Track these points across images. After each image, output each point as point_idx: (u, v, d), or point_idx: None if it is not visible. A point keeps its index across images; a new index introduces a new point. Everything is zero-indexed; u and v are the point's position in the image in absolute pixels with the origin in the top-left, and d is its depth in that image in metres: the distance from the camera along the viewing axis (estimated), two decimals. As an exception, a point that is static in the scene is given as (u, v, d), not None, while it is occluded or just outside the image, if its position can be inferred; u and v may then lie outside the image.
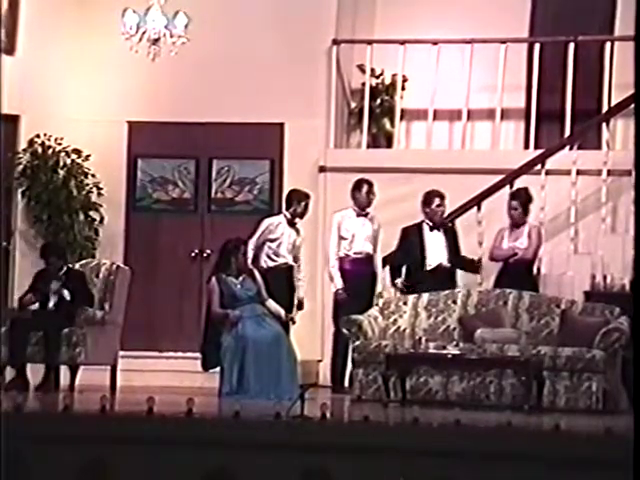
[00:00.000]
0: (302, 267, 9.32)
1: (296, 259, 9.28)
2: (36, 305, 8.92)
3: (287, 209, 9.29)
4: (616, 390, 8.36)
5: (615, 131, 9.97)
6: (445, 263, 9.06)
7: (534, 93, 10.07)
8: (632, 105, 9.66)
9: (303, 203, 9.23)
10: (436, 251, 9.07)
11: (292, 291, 9.24)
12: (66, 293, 8.74)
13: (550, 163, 9.66)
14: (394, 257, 9.14)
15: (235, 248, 8.84)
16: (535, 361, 8.16)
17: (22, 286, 9.44)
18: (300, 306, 9.20)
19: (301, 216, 9.28)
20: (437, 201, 9.12)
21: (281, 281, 9.12)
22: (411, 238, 9.10)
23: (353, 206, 9.34)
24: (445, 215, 9.21)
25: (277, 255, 9.19)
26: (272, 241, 9.19)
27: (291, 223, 9.26)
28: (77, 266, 9.30)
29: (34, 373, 8.82)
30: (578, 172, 9.66)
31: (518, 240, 9.15)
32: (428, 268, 9.05)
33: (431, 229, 9.12)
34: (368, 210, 9.34)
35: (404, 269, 9.11)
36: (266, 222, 9.25)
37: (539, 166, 9.66)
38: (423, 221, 9.19)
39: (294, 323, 8.98)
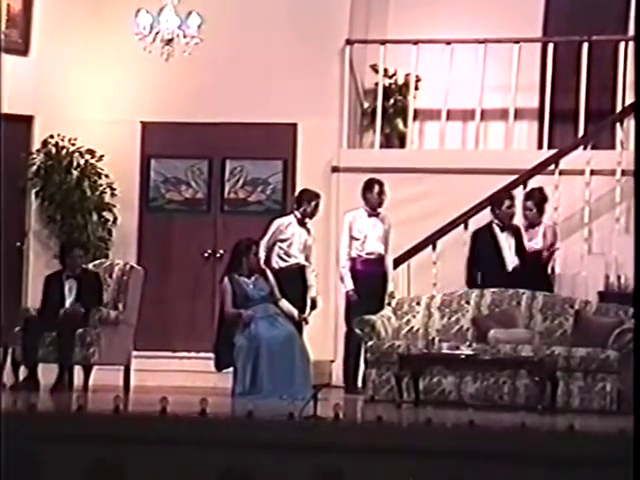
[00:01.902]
0: (314, 266, 9.31)
1: (308, 259, 9.27)
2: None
3: (297, 209, 9.28)
4: (630, 391, 8.31)
5: (629, 131, 9.92)
6: (518, 264, 8.94)
7: (548, 93, 10.05)
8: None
9: (313, 203, 9.22)
10: (509, 252, 8.98)
11: (305, 291, 9.23)
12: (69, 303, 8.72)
13: (564, 163, 9.63)
14: (473, 262, 8.99)
15: (247, 248, 8.84)
16: (549, 361, 8.14)
17: (35, 286, 9.46)
18: (314, 305, 9.19)
19: (311, 216, 9.27)
20: (507, 202, 9.04)
21: (294, 281, 9.11)
22: (484, 240, 8.97)
23: (364, 206, 9.32)
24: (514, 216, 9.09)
25: (288, 255, 9.18)
26: (283, 241, 9.18)
27: (302, 223, 9.25)
28: (90, 266, 9.32)
29: (48, 373, 8.83)
30: (592, 172, 9.63)
31: (533, 240, 9.13)
32: (510, 268, 8.94)
33: (502, 230, 9.01)
34: (379, 210, 9.33)
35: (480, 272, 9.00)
36: (277, 223, 9.25)
37: (553, 166, 9.64)
38: (492, 222, 9.08)
39: (307, 323, 8.97)
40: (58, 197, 10.20)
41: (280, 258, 9.19)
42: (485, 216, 9.58)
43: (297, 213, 9.27)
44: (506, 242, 8.99)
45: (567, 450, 6.04)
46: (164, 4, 9.21)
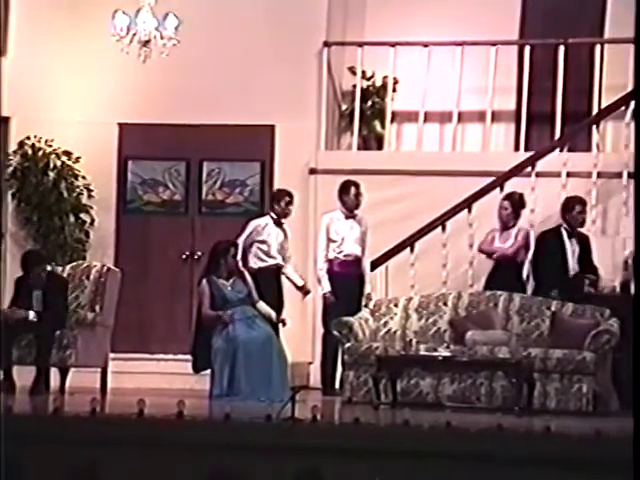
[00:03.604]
0: (292, 266, 9.29)
1: (284, 259, 9.27)
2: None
3: (272, 209, 9.28)
4: (606, 392, 8.37)
5: (605, 133, 9.99)
6: (578, 270, 8.90)
7: (524, 95, 10.08)
8: (622, 107, 9.70)
9: (283, 202, 9.20)
10: (573, 258, 8.94)
11: (281, 292, 9.23)
12: (32, 315, 8.68)
13: (540, 165, 9.67)
14: (534, 261, 8.93)
15: (225, 250, 8.83)
16: (526, 363, 8.16)
17: (12, 288, 9.41)
18: (304, 290, 9.10)
19: (285, 215, 9.27)
20: (578, 208, 9.00)
21: (271, 282, 9.11)
22: (551, 242, 8.92)
23: (341, 208, 9.33)
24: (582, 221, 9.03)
25: (268, 256, 9.18)
26: (262, 242, 9.18)
27: (278, 223, 9.25)
28: (67, 268, 9.29)
29: (24, 375, 8.79)
30: (568, 174, 9.67)
31: (507, 242, 9.16)
32: (571, 274, 8.90)
33: (569, 236, 8.97)
34: (356, 212, 9.34)
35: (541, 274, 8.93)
36: (253, 224, 9.24)
37: (529, 168, 9.67)
38: (561, 226, 9.03)
39: (285, 325, 8.97)
40: (35, 199, 10.16)
41: (259, 259, 9.19)
42: (462, 217, 9.63)
43: (272, 214, 9.27)
44: (571, 248, 8.91)
45: (544, 451, 6.07)
46: (141, 5, 9.19)
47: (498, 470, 5.97)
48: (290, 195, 9.31)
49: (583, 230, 9.12)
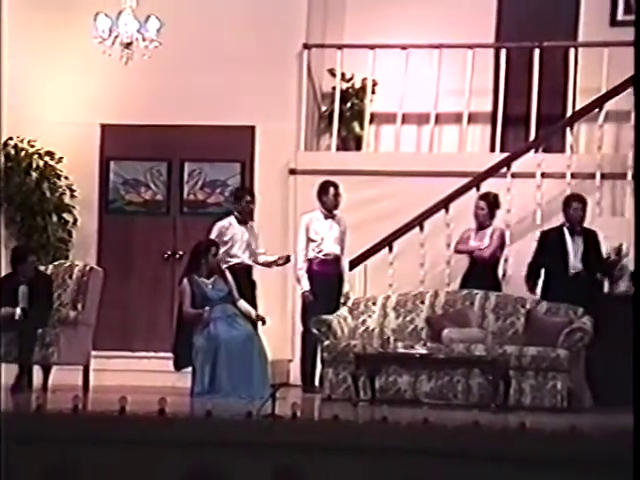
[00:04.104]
0: (264, 258, 9.19)
1: (255, 257, 9.21)
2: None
3: (235, 208, 9.26)
4: (580, 388, 8.40)
5: (579, 135, 10.02)
6: (582, 269, 8.73)
7: (500, 97, 10.11)
8: (596, 110, 9.73)
9: (244, 201, 9.17)
10: (576, 256, 8.78)
11: (253, 290, 9.19)
12: (18, 312, 8.64)
13: (516, 166, 9.69)
14: (534, 260, 8.84)
15: (206, 249, 8.82)
16: (501, 360, 8.18)
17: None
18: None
19: (248, 214, 9.24)
20: (575, 205, 8.84)
21: (241, 280, 9.07)
22: (552, 241, 8.81)
23: (321, 208, 9.33)
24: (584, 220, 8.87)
25: (229, 255, 9.14)
26: (225, 243, 9.15)
27: (241, 222, 9.22)
28: (50, 267, 9.25)
29: (6, 373, 8.75)
30: (543, 175, 9.70)
31: (483, 241, 9.17)
32: (572, 272, 8.75)
33: (571, 234, 8.82)
34: (335, 212, 9.34)
35: (543, 272, 8.82)
36: (218, 225, 9.23)
37: (505, 169, 9.70)
38: (564, 225, 8.92)
39: (264, 323, 8.96)
40: (17, 199, 10.12)
41: (223, 260, 9.14)
42: (440, 217, 9.64)
43: (236, 213, 9.25)
44: (574, 246, 8.78)
45: (519, 447, 6.08)
46: (123, 8, 9.16)
47: (475, 466, 5.98)
48: (251, 194, 9.29)
49: (592, 227, 8.89)
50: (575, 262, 8.76)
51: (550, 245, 8.86)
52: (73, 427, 6.28)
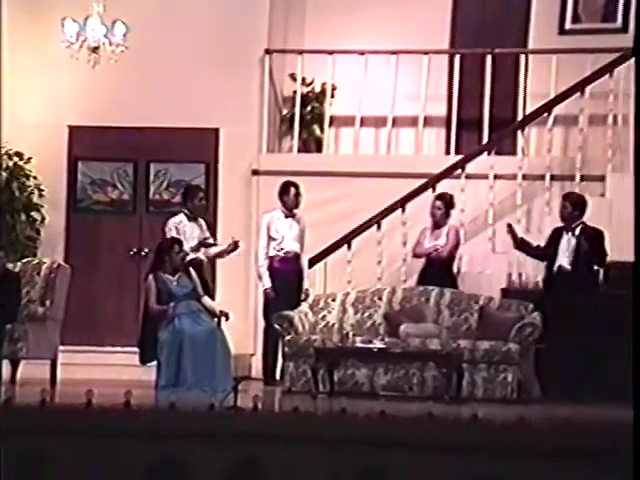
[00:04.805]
0: (215, 250, 9.15)
1: (206, 253, 9.17)
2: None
3: (184, 206, 9.24)
4: (529, 381, 8.47)
5: (529, 138, 10.09)
6: (565, 265, 8.52)
7: (455, 102, 10.16)
8: (545, 114, 9.81)
9: (197, 199, 9.12)
10: (563, 253, 8.56)
11: (207, 286, 9.16)
12: None
13: (469, 168, 9.75)
14: (540, 254, 8.69)
15: (170, 247, 8.80)
16: (455, 354, 8.23)
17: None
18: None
19: (198, 210, 9.21)
20: (562, 203, 8.64)
21: (207, 277, 9.02)
22: (551, 237, 8.66)
23: (281, 207, 9.33)
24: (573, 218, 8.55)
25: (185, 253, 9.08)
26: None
27: (192, 218, 9.19)
28: (19, 265, 9.19)
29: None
30: (495, 176, 9.76)
31: (439, 239, 9.22)
32: (555, 269, 8.56)
33: (566, 231, 8.63)
34: (295, 211, 9.35)
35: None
36: (172, 222, 9.19)
37: (459, 170, 9.75)
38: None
39: (227, 319, 8.95)
40: (-13, 198, 10.05)
41: None
42: (396, 217, 9.68)
43: (186, 210, 9.23)
44: (567, 242, 8.57)
45: (471, 437, 6.12)
46: (90, 13, 9.11)
47: (429, 456, 6.01)
48: (202, 191, 9.25)
49: (598, 226, 8.62)
50: (561, 258, 8.60)
51: (548, 241, 8.75)
52: (41, 419, 6.25)
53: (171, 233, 9.06)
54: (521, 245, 8.79)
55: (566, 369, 8.36)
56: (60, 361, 9.04)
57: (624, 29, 9.96)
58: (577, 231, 8.57)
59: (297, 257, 9.29)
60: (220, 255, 9.24)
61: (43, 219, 10.19)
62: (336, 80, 10.33)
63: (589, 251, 8.54)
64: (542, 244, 8.82)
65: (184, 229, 9.12)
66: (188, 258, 9.01)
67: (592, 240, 8.57)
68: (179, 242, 8.88)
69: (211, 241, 9.14)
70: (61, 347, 9.12)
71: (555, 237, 8.67)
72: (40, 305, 8.95)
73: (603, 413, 7.17)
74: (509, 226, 8.80)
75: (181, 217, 9.20)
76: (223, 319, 8.87)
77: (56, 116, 10.21)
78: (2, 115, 9.96)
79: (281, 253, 9.25)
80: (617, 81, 9.64)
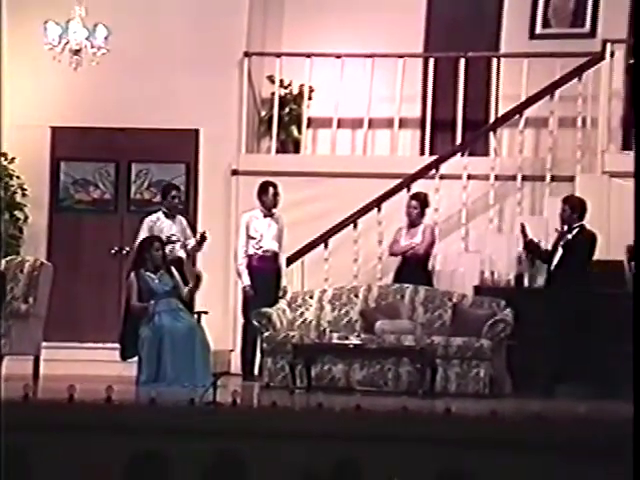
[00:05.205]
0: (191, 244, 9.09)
1: (184, 248, 9.12)
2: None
3: (162, 203, 9.20)
4: (501, 376, 8.49)
5: (501, 139, 10.11)
6: (554, 266, 8.45)
7: (429, 104, 10.17)
8: (517, 116, 9.83)
9: (170, 197, 9.09)
10: (557, 254, 8.50)
11: (188, 281, 9.13)
12: None
13: (443, 168, 9.76)
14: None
15: (150, 245, 8.77)
16: (429, 350, 8.24)
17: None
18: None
19: (175, 208, 9.18)
20: (562, 206, 8.56)
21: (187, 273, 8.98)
22: (556, 240, 8.58)
23: (260, 207, 9.31)
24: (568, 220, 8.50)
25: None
26: None
27: (169, 216, 9.15)
28: (2, 263, 9.12)
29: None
30: (469, 177, 9.77)
31: (415, 238, 9.23)
32: (553, 267, 8.48)
33: (565, 232, 8.52)
34: (274, 211, 9.33)
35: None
36: (147, 220, 9.16)
37: (433, 171, 9.76)
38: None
39: (206, 313, 8.94)
40: (-29, 197, 9.98)
41: None
42: (372, 216, 9.69)
43: (163, 208, 9.20)
44: (562, 244, 8.49)
45: (445, 431, 6.13)
46: (72, 17, 9.07)
47: (403, 449, 6.02)
48: (177, 189, 9.25)
49: (593, 229, 8.57)
50: (555, 258, 8.54)
51: (554, 244, 8.64)
52: (24, 414, 6.21)
53: (142, 233, 9.04)
54: (529, 245, 8.73)
55: (536, 365, 8.38)
56: (43, 357, 9.00)
57: (592, 34, 10.01)
58: (574, 232, 8.51)
59: (276, 256, 9.27)
60: (196, 250, 9.22)
61: (26, 218, 10.14)
62: (313, 82, 10.32)
63: (578, 253, 8.49)
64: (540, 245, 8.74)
65: (161, 227, 9.10)
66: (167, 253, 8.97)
67: (583, 243, 8.49)
68: (159, 240, 8.85)
69: (174, 238, 9.08)
70: (44, 343, 9.08)
71: (557, 240, 8.61)
72: (23, 302, 8.91)
73: (573, 407, 7.20)
74: (522, 226, 8.72)
75: (158, 215, 9.18)
76: (203, 316, 8.85)
77: (39, 117, 10.16)
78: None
79: (260, 252, 9.23)
80: (585, 84, 9.68)
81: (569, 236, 8.54)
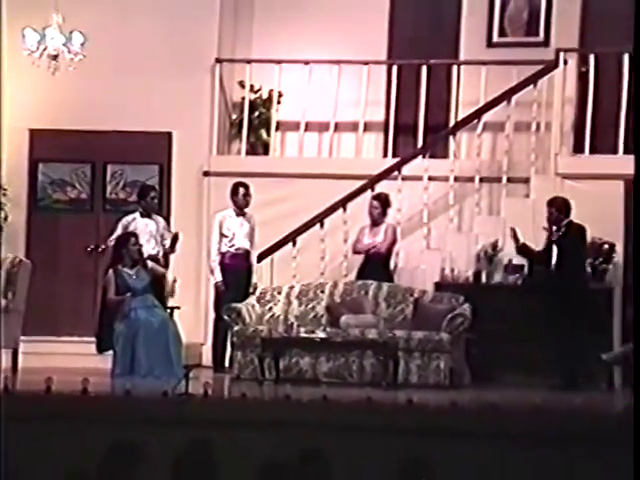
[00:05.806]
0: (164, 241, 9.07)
1: (161, 247, 9.11)
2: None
3: (139, 203, 9.18)
4: (460, 368, 8.55)
5: (460, 143, 10.17)
6: (552, 266, 8.33)
7: (392, 108, 10.21)
8: (475, 120, 9.89)
9: (149, 197, 9.09)
10: (553, 254, 8.36)
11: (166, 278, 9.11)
12: None
13: (405, 170, 9.80)
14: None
15: (126, 241, 8.76)
16: (391, 343, 8.28)
17: None
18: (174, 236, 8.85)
19: (152, 209, 9.17)
20: (548, 210, 8.45)
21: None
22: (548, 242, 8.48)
23: (233, 207, 9.32)
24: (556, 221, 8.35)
25: None
26: None
27: (145, 215, 9.13)
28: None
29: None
30: (429, 178, 9.82)
31: (377, 237, 9.27)
32: (552, 267, 8.34)
33: (552, 235, 8.41)
34: (246, 210, 9.34)
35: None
36: (123, 221, 9.15)
37: (396, 172, 9.80)
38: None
39: (178, 308, 8.92)
40: (-49, 197, 9.89)
41: None
42: (338, 216, 9.71)
43: (140, 209, 9.16)
44: (555, 245, 8.39)
45: (407, 420, 6.17)
46: (49, 23, 9.03)
47: (367, 437, 6.05)
48: (155, 190, 9.22)
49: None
50: (552, 258, 8.39)
51: (545, 246, 8.54)
52: (3, 405, 6.17)
53: (117, 232, 9.01)
54: (522, 249, 8.63)
55: (494, 357, 8.42)
56: (21, 350, 8.96)
57: (545, 43, 10.09)
58: (562, 230, 8.43)
59: (247, 253, 9.28)
60: (169, 251, 9.20)
61: (6, 217, 10.08)
62: (282, 87, 10.33)
63: (572, 247, 8.41)
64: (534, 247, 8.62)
65: (136, 225, 9.08)
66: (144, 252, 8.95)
67: (574, 238, 8.40)
68: (135, 235, 8.84)
69: (167, 241, 9.05)
70: (22, 337, 9.04)
71: (549, 240, 8.54)
72: (3, 297, 8.86)
73: (529, 397, 7.26)
74: (512, 230, 8.63)
75: (135, 215, 9.17)
76: (175, 311, 8.84)
77: (18, 120, 10.10)
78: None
79: (232, 249, 9.23)
80: (540, 91, 9.75)
81: (560, 233, 8.46)
